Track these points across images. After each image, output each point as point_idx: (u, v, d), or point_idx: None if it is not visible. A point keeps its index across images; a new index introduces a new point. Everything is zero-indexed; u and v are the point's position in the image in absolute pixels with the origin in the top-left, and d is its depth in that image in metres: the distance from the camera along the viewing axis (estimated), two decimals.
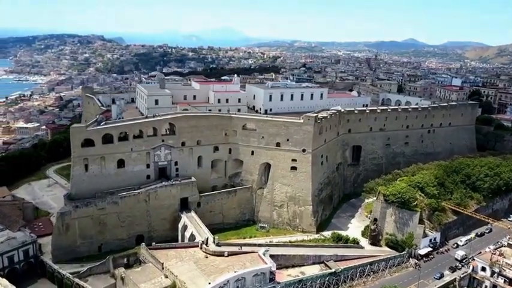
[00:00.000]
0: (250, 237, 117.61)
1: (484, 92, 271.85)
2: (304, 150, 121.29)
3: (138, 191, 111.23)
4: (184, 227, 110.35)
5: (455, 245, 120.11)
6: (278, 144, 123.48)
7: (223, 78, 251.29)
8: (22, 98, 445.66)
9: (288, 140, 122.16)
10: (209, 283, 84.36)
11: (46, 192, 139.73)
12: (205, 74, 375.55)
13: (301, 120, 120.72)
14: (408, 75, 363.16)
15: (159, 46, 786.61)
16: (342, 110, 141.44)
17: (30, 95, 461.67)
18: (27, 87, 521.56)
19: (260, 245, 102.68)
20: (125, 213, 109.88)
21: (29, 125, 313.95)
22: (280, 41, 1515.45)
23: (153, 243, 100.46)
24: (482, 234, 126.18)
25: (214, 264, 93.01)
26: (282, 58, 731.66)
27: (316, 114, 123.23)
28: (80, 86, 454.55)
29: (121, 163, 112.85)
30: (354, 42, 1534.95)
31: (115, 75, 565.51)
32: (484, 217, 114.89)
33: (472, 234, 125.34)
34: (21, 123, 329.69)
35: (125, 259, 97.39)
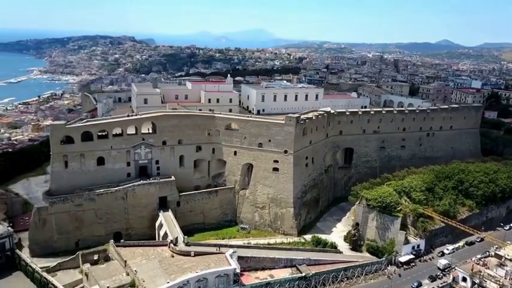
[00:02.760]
0: (230, 238, 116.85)
1: (505, 94, 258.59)
2: (286, 152, 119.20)
3: (116, 188, 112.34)
4: (160, 226, 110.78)
5: (441, 253, 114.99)
6: (260, 145, 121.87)
7: (236, 79, 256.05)
8: (53, 97, 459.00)
9: (270, 140, 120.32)
10: (168, 282, 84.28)
11: (41, 187, 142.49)
12: (227, 75, 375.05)
13: (283, 121, 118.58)
14: (427, 76, 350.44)
15: (187, 47, 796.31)
16: (332, 111, 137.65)
17: (62, 94, 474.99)
18: (59, 87, 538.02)
19: (231, 246, 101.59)
20: (103, 210, 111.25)
21: (56, 123, 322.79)
22: (310, 42, 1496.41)
23: (121, 241, 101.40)
24: (472, 243, 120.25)
25: (178, 263, 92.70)
26: (307, 59, 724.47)
27: (298, 115, 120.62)
28: (110, 86, 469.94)
29: (101, 160, 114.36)
30: (385, 43, 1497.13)
31: (143, 75, 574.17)
32: (466, 228, 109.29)
33: (461, 243, 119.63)
34: (49, 121, 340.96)
35: (95, 255, 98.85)
